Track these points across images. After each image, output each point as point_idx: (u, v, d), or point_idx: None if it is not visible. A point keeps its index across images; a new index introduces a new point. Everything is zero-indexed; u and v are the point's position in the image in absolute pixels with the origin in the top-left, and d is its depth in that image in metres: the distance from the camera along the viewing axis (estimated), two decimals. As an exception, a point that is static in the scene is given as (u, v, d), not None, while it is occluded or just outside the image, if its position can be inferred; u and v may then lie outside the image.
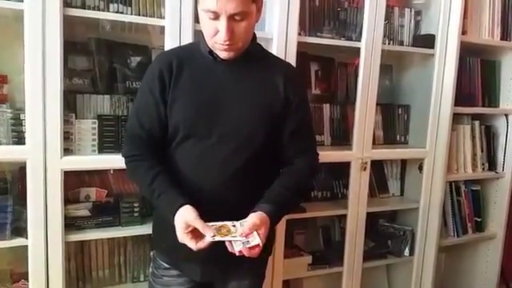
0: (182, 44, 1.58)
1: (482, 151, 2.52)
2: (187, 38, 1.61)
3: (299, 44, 1.84)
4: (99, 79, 1.71)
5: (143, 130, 1.30)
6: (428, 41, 2.20)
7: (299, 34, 1.85)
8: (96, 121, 1.65)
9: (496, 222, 2.62)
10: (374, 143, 2.12)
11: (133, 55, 1.76)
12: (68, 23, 1.50)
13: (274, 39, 1.79)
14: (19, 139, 1.51)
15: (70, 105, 1.62)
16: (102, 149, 1.65)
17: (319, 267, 2.15)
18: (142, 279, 1.85)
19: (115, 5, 1.58)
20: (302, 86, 1.45)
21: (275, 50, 1.77)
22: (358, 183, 2.09)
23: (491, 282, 2.66)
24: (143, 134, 1.31)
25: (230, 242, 1.18)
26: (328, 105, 2.18)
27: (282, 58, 1.71)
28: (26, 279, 1.55)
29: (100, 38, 1.72)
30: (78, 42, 1.69)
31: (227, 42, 1.21)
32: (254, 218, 1.20)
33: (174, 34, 1.61)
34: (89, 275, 1.78)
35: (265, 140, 1.30)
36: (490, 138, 2.56)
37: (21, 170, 1.56)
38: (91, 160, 1.62)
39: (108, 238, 1.76)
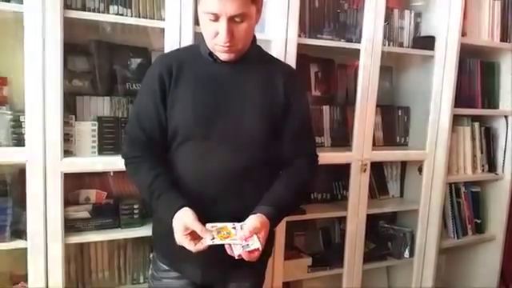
0: (181, 46, 1.58)
1: (482, 153, 2.52)
2: (187, 40, 1.61)
3: (299, 46, 1.84)
4: (99, 81, 1.71)
5: (143, 133, 1.30)
6: (428, 42, 2.20)
7: (299, 36, 1.85)
8: (96, 123, 1.64)
9: (496, 223, 2.62)
10: (373, 145, 2.12)
11: (133, 57, 1.76)
12: (68, 25, 1.50)
13: (274, 41, 1.79)
14: (19, 141, 1.51)
15: (70, 107, 1.62)
16: (102, 150, 1.65)
17: (319, 269, 2.15)
18: (141, 281, 1.85)
19: (115, 7, 1.58)
20: (301, 88, 1.46)
21: (275, 51, 1.77)
22: (358, 185, 2.09)
23: (491, 283, 2.65)
24: (144, 137, 1.31)
25: (230, 245, 1.18)
26: (328, 106, 2.18)
27: (282, 59, 1.71)
28: (26, 281, 1.55)
29: (100, 40, 1.71)
30: (78, 44, 1.69)
31: (227, 44, 1.21)
32: (254, 220, 1.20)
33: (174, 36, 1.61)
34: (88, 277, 1.77)
35: (265, 141, 1.30)
36: (489, 139, 2.56)
37: (21, 171, 1.55)
38: (91, 162, 1.62)
39: (108, 240, 1.76)
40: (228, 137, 1.28)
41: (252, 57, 1.32)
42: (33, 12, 1.43)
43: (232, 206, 1.25)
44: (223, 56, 1.26)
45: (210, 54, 1.28)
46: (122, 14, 1.59)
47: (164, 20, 1.62)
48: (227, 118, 1.28)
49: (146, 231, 1.71)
